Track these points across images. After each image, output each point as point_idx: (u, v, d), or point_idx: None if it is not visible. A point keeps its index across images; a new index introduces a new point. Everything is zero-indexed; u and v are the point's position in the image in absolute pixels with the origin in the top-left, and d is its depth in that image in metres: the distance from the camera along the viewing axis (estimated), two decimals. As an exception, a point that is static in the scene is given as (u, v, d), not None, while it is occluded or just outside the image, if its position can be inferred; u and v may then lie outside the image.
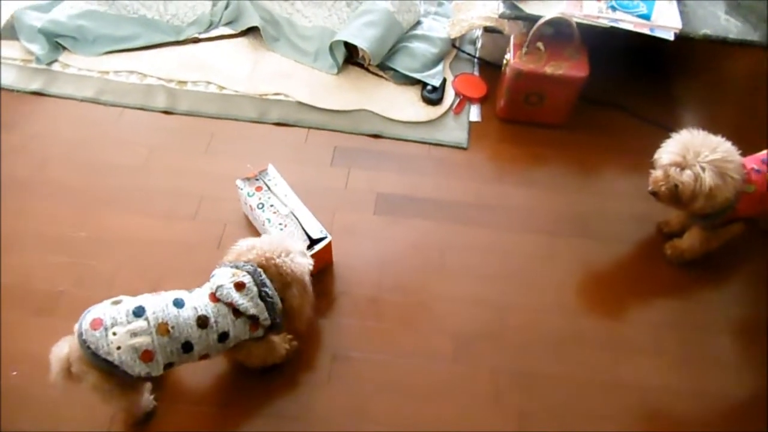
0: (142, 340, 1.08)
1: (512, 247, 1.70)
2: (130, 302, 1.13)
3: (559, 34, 1.88)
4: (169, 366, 1.15)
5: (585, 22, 1.82)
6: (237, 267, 1.21)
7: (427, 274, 1.63)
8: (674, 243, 1.66)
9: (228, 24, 2.21)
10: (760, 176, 1.46)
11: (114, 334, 1.07)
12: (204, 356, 1.20)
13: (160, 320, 1.11)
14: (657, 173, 1.47)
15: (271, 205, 1.57)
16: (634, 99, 2.09)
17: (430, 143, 1.94)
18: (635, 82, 2.18)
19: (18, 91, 1.96)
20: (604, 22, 1.82)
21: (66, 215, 1.66)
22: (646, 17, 1.83)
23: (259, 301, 1.19)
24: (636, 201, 1.78)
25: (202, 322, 1.15)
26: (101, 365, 1.06)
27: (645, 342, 1.53)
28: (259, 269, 1.21)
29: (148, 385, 1.27)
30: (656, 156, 1.48)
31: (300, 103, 2.00)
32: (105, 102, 1.96)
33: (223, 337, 1.18)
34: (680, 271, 1.67)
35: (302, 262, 1.28)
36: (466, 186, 1.83)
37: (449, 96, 2.06)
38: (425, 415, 1.38)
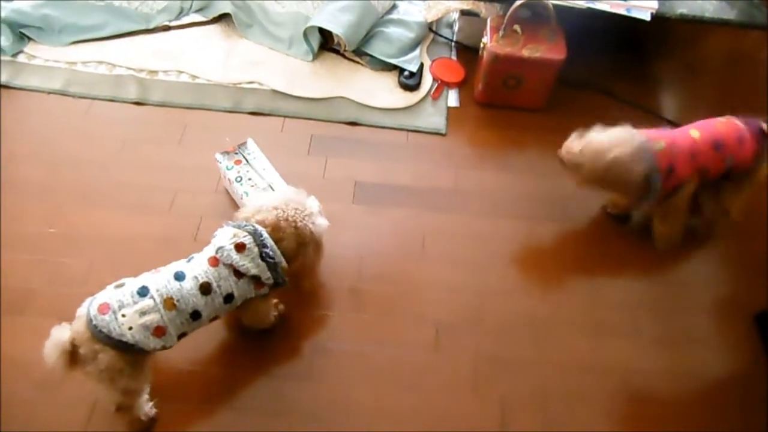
0: (151, 318, 1.10)
1: (492, 233, 1.69)
2: (133, 284, 1.14)
3: (536, 17, 1.86)
4: (182, 336, 1.18)
5: (561, 3, 1.80)
6: (239, 227, 1.22)
7: (408, 263, 1.61)
8: (658, 231, 1.65)
9: (199, 11, 2.16)
10: (667, 132, 1.50)
11: (123, 315, 1.09)
12: (214, 318, 1.23)
13: (165, 296, 1.13)
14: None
15: (249, 179, 1.57)
16: (613, 81, 2.08)
17: (409, 130, 1.91)
18: (613, 64, 2.17)
19: (-18, 85, 1.90)
20: (581, 3, 1.80)
21: (35, 212, 1.62)
22: (623, -3, 1.81)
23: (260, 262, 1.20)
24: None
25: (205, 289, 1.17)
26: (116, 345, 1.08)
27: (623, 324, 1.53)
28: (261, 229, 1.22)
29: (147, 389, 1.26)
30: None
31: (275, 92, 1.96)
32: (73, 94, 1.90)
33: (229, 298, 1.21)
34: (656, 253, 1.68)
35: (322, 224, 1.33)
36: (445, 172, 1.81)
37: (427, 81, 2.04)
38: (408, 405, 1.37)
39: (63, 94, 1.90)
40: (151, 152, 1.78)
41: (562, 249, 1.67)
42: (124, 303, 1.10)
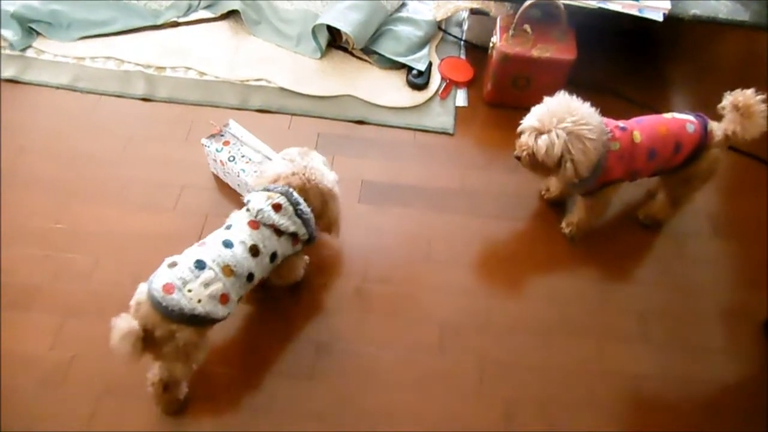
0: (216, 287, 1.15)
1: (499, 235, 1.67)
2: (186, 260, 1.17)
3: (546, 16, 1.84)
4: (239, 300, 1.24)
5: (572, 3, 1.78)
6: (269, 190, 1.29)
7: (414, 264, 1.60)
8: (568, 220, 1.66)
9: (207, 7, 2.15)
10: (625, 133, 1.45)
11: (189, 291, 1.13)
12: (260, 279, 1.29)
13: (222, 265, 1.18)
14: (522, 138, 1.44)
15: (243, 155, 1.58)
16: (624, 82, 2.06)
17: (416, 129, 1.90)
18: (624, 65, 2.15)
19: (-10, 79, 1.90)
20: (592, 3, 1.78)
21: (41, 207, 1.62)
22: (635, -2, 1.79)
23: (296, 219, 1.29)
24: (626, 187, 1.76)
25: (255, 251, 1.24)
26: (190, 320, 1.12)
27: (631, 329, 1.52)
28: (291, 189, 1.30)
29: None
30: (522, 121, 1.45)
31: (282, 89, 1.95)
32: (81, 89, 1.91)
33: (273, 257, 1.28)
34: (665, 258, 1.66)
35: (332, 179, 1.40)
36: (452, 173, 1.80)
37: (435, 80, 2.02)
38: (411, 406, 1.37)
39: (71, 89, 1.90)
40: (158, 148, 1.78)
41: (569, 253, 1.65)
42: (186, 279, 1.13)
